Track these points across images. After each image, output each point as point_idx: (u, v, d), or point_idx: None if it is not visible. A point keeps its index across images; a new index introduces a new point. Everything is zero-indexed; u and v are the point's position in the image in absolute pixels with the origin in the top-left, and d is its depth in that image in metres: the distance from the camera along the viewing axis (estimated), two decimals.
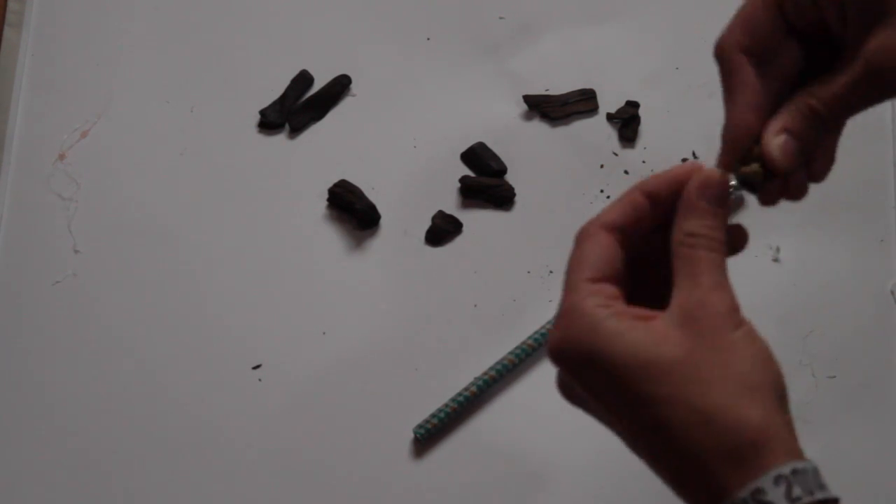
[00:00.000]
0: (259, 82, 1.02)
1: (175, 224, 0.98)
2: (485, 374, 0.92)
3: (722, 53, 0.64)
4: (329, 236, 0.97)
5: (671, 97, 1.00)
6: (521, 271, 0.96)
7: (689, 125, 0.99)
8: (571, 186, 0.98)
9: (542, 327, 0.93)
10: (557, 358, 0.61)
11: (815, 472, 0.57)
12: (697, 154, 0.98)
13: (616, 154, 0.99)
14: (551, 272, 0.96)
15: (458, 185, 0.98)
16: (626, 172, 0.98)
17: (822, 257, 0.95)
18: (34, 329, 0.95)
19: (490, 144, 0.99)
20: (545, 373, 0.93)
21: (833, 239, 0.96)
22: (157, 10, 1.04)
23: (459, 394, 0.91)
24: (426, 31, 1.03)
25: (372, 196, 0.97)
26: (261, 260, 0.96)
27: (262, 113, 1.01)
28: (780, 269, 0.95)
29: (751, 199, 0.69)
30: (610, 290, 0.61)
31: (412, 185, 0.98)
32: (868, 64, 0.62)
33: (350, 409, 0.92)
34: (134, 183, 0.99)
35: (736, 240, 0.63)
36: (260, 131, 1.01)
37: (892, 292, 0.94)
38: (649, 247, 0.63)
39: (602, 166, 0.99)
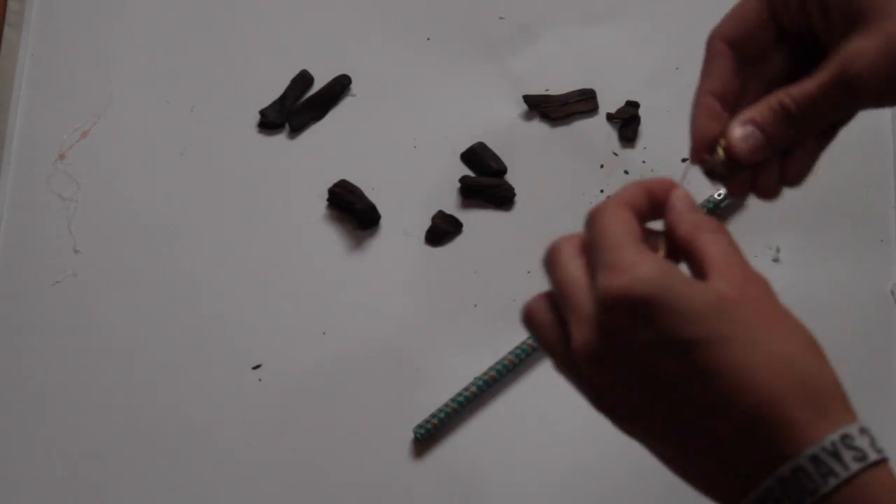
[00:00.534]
0: (259, 82, 1.02)
1: (175, 224, 0.98)
2: (485, 374, 0.92)
3: (708, 42, 0.68)
4: (329, 236, 0.97)
5: (671, 97, 1.00)
6: (521, 271, 0.96)
7: (688, 125, 0.99)
8: (571, 186, 0.98)
9: None
10: (624, 300, 0.58)
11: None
12: None
13: (616, 154, 0.99)
14: None
15: (458, 185, 0.98)
16: (626, 172, 0.98)
17: (822, 257, 0.95)
18: (34, 329, 0.95)
19: (490, 144, 0.99)
20: (545, 373, 0.93)
21: (833, 239, 0.96)
22: (157, 10, 1.04)
23: (459, 394, 0.91)
24: (426, 31, 1.03)
25: (372, 196, 0.97)
26: (261, 260, 0.96)
27: (262, 113, 1.01)
28: (780, 269, 0.95)
29: (753, 201, 0.69)
30: (655, 254, 0.61)
31: (412, 185, 0.98)
32: (839, 67, 0.63)
33: (350, 409, 0.92)
34: (134, 183, 0.99)
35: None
36: (260, 131, 1.01)
37: (892, 292, 0.94)
38: None
39: (602, 166, 0.99)
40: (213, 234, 0.97)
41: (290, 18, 1.04)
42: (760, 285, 0.60)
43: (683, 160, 0.98)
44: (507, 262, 0.96)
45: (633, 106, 1.00)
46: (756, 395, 0.57)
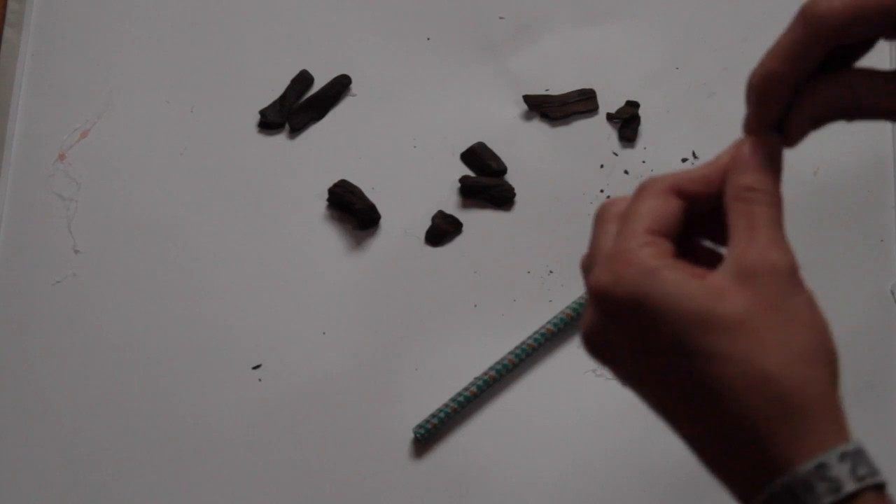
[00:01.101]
0: (259, 82, 1.01)
1: (175, 224, 0.97)
2: (485, 374, 0.92)
3: (803, 13, 0.59)
4: (329, 236, 0.97)
5: (671, 97, 1.00)
6: (521, 271, 0.96)
7: (689, 125, 0.99)
8: (571, 186, 0.98)
9: (543, 327, 0.93)
10: (604, 298, 0.57)
11: (868, 453, 0.54)
12: (697, 154, 0.98)
13: (616, 154, 0.99)
14: (551, 272, 0.96)
15: (458, 185, 0.98)
16: (626, 172, 0.98)
17: (822, 257, 0.95)
18: (34, 329, 0.95)
19: (490, 144, 0.99)
20: (545, 373, 0.93)
21: (833, 239, 0.96)
22: (156, 11, 1.04)
23: (459, 394, 0.91)
24: (426, 31, 1.03)
25: (372, 196, 0.97)
26: (261, 260, 0.96)
27: (262, 113, 1.01)
28: None
29: None
30: (667, 245, 0.58)
31: (412, 185, 0.98)
32: None
33: (350, 409, 0.92)
34: (134, 183, 0.99)
35: None
36: (260, 131, 1.01)
37: (892, 292, 0.94)
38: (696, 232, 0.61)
39: (602, 166, 0.99)
40: (213, 234, 0.97)
41: (290, 18, 1.04)
42: (773, 276, 0.56)
43: (683, 160, 0.98)
44: (507, 262, 0.96)
45: (633, 106, 1.00)
46: (734, 413, 0.54)
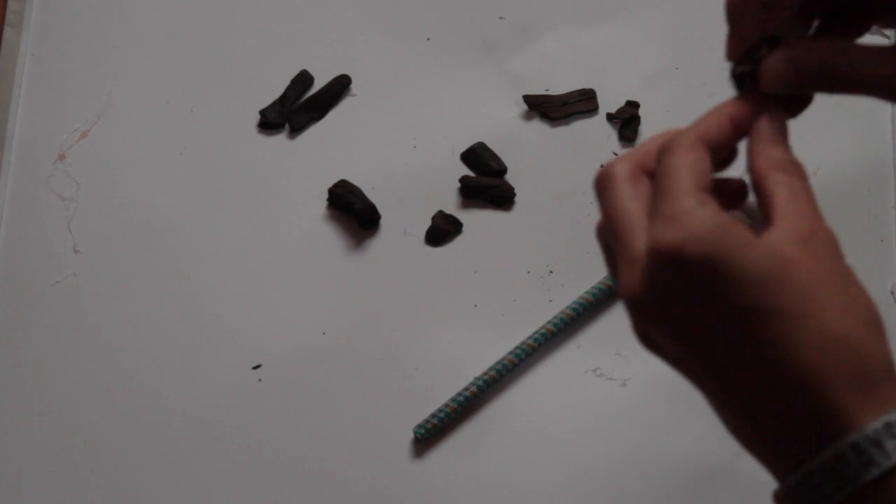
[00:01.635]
0: (259, 82, 1.02)
1: (175, 224, 0.98)
2: (485, 374, 0.92)
3: None
4: (329, 236, 0.97)
5: (671, 97, 1.00)
6: (521, 271, 0.96)
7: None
8: (571, 186, 0.98)
9: (542, 327, 0.93)
10: (675, 258, 0.56)
11: None
12: None
13: (616, 154, 0.99)
14: (551, 272, 0.96)
15: (458, 185, 0.98)
16: None
17: None
18: (34, 329, 0.95)
19: (490, 144, 0.99)
20: (545, 373, 0.93)
21: None
22: (157, 11, 1.04)
23: (459, 394, 0.91)
24: (426, 31, 1.03)
25: (372, 196, 0.97)
26: (261, 260, 0.96)
27: (262, 113, 1.01)
28: None
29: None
30: (717, 205, 0.58)
31: (412, 185, 0.98)
32: None
33: (350, 409, 0.92)
34: (134, 183, 0.99)
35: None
36: (260, 131, 1.01)
37: (892, 292, 0.94)
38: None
39: (602, 166, 0.99)
40: (213, 235, 0.97)
41: (290, 18, 1.04)
42: (826, 243, 0.57)
43: None
44: (507, 262, 0.96)
45: (633, 106, 1.00)
46: (801, 374, 0.55)
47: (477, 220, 0.97)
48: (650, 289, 0.57)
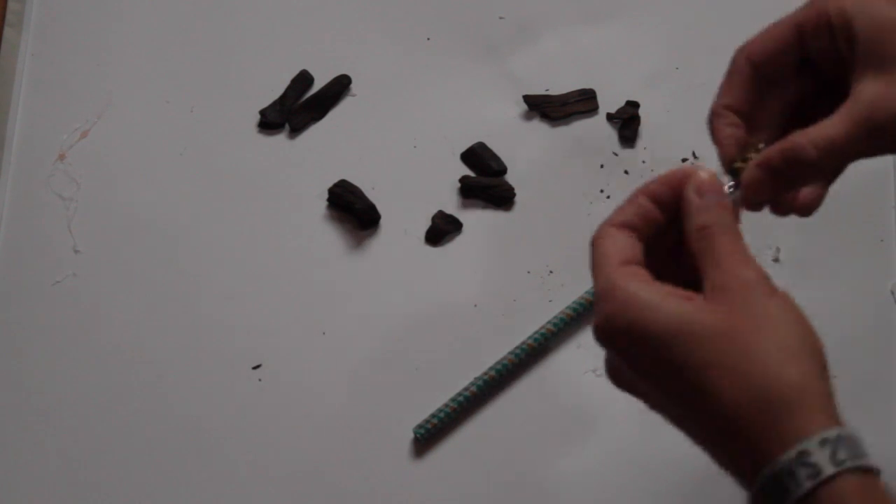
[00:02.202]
0: (259, 82, 1.02)
1: (175, 224, 0.98)
2: (485, 374, 0.92)
3: (733, 58, 0.69)
4: (329, 236, 0.97)
5: (671, 97, 1.00)
6: (521, 271, 0.96)
7: (688, 125, 0.99)
8: (571, 186, 0.98)
9: (542, 327, 0.93)
10: (601, 338, 0.62)
11: (858, 439, 0.57)
12: (697, 154, 0.98)
13: (616, 154, 0.99)
14: (551, 272, 0.96)
15: (458, 185, 0.98)
16: (626, 172, 0.98)
17: (822, 257, 0.95)
18: (34, 329, 0.95)
19: (490, 144, 0.99)
20: (545, 374, 0.93)
21: (833, 239, 0.96)
22: (157, 11, 1.04)
23: (459, 394, 0.91)
24: (426, 31, 1.03)
25: (372, 196, 0.97)
26: (261, 260, 0.96)
27: (262, 113, 1.01)
28: (781, 269, 0.95)
29: None
30: (641, 270, 0.63)
31: (412, 185, 0.98)
32: (865, 113, 0.64)
33: (350, 408, 0.92)
34: (134, 183, 0.99)
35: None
36: (260, 131, 1.01)
37: (893, 292, 0.94)
38: (671, 246, 0.65)
39: (602, 166, 0.99)
40: (213, 234, 0.97)
41: (290, 18, 1.04)
42: (743, 287, 0.60)
43: (684, 160, 0.98)
44: (507, 262, 0.96)
45: (633, 106, 1.00)
46: (719, 416, 0.58)
47: (477, 220, 0.97)
48: (608, 365, 0.64)
